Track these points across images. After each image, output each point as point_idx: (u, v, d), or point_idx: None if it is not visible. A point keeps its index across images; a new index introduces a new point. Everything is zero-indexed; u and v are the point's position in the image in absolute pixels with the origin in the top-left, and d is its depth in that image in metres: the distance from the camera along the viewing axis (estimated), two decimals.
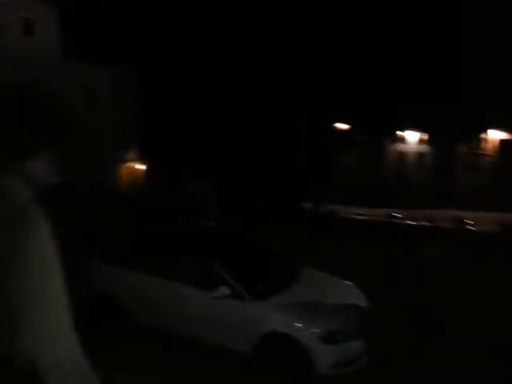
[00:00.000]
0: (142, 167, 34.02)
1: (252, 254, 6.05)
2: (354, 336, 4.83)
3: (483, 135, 49.04)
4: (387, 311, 5.69)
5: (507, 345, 5.44)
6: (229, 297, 4.99)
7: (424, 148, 51.92)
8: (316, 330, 4.72)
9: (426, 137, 51.42)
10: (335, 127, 24.00)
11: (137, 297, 5.55)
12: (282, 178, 19.23)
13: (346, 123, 25.30)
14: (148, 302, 5.50)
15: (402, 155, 52.65)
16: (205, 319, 5.18)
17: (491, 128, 48.05)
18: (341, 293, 5.65)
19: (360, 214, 38.02)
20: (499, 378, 4.86)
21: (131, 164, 33.43)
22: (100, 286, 5.80)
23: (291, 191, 20.92)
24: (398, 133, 51.91)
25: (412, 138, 52.17)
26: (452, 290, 7.29)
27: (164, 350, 5.27)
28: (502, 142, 48.22)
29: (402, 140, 52.56)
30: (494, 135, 48.69)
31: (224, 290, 5.00)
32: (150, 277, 5.50)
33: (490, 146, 49.32)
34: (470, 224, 33.66)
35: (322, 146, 20.91)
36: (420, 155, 52.10)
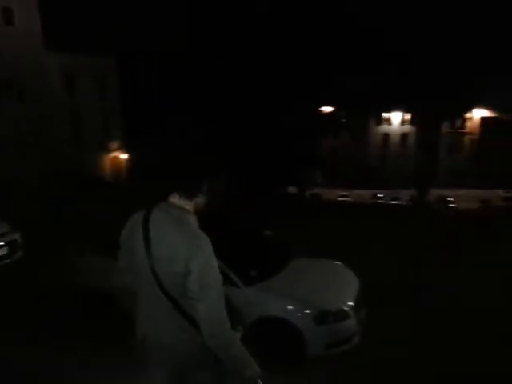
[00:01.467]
0: (126, 157, 33.66)
1: (242, 239, 6.09)
2: (347, 316, 4.92)
3: (467, 114, 49.60)
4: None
5: None
6: (223, 284, 5.03)
7: (408, 128, 52.36)
8: (308, 312, 4.79)
9: (409, 117, 51.83)
10: (320, 110, 23.98)
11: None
12: (267, 164, 19.19)
13: (331, 106, 25.27)
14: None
15: (386, 136, 53.09)
16: None
17: (476, 107, 48.61)
18: (332, 273, 5.75)
19: (344, 196, 38.55)
20: None
21: (115, 153, 33.04)
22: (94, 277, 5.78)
23: (277, 176, 20.93)
24: (383, 114, 52.24)
25: (396, 118, 52.55)
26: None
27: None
28: (484, 119, 48.88)
29: (387, 121, 52.92)
30: (478, 113, 49.28)
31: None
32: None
33: (473, 124, 49.97)
34: (452, 202, 34.28)
35: (308, 130, 20.88)
36: (404, 135, 52.58)
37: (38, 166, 21.36)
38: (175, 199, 2.07)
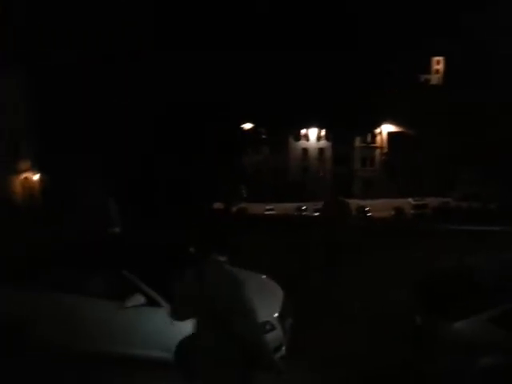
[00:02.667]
0: (37, 178, 31.38)
1: (165, 257, 5.94)
2: (273, 327, 4.97)
3: (376, 129, 53.48)
4: None
5: None
6: (145, 305, 4.87)
7: (324, 143, 55.15)
8: None
9: (324, 133, 54.69)
10: (242, 128, 24.47)
11: (46, 318, 5.18)
12: (192, 180, 19.04)
13: (252, 123, 25.91)
14: (58, 322, 5.15)
15: (305, 151, 55.41)
16: (122, 331, 5.01)
17: (384, 123, 52.59)
18: (257, 285, 5.77)
19: (270, 210, 39.40)
20: None
21: (27, 174, 30.66)
22: (7, 310, 5.29)
23: (202, 192, 20.84)
24: (301, 130, 54.62)
25: (313, 134, 55.15)
26: None
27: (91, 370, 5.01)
28: (391, 134, 53.04)
29: (305, 137, 55.32)
30: (386, 129, 53.35)
31: (138, 299, 4.87)
32: (57, 293, 5.17)
33: (381, 139, 53.98)
34: (368, 211, 36.47)
35: (230, 146, 21.14)
36: (321, 150, 55.27)
37: None
38: (215, 257, 3.11)
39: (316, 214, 36.94)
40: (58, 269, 5.40)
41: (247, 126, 25.55)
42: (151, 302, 4.90)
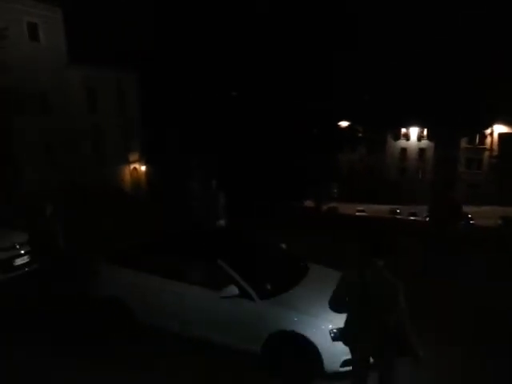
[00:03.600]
0: (146, 168, 34.12)
1: (259, 252, 6.11)
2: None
3: (486, 130, 48.89)
4: None
5: None
6: (237, 296, 5.05)
7: (425, 143, 51.83)
8: (325, 328, 4.75)
9: (426, 132, 51.35)
10: (338, 125, 23.99)
11: (145, 300, 5.65)
12: (285, 178, 19.22)
13: (349, 121, 25.28)
14: (158, 305, 5.58)
15: (404, 151, 52.61)
16: (214, 319, 5.26)
17: (494, 123, 47.92)
18: None
19: (361, 211, 38.20)
20: None
21: (135, 165, 33.52)
22: (109, 288, 5.93)
23: (294, 190, 20.93)
24: (402, 129, 51.91)
25: (414, 134, 52.11)
26: None
27: (175, 353, 5.41)
28: (503, 135, 48.09)
29: (405, 136, 52.51)
30: (498, 129, 48.58)
31: (232, 290, 5.06)
32: (159, 279, 5.60)
33: (491, 140, 49.19)
34: (471, 218, 33.54)
35: (325, 144, 20.87)
36: (421, 150, 52.03)
37: (56, 178, 21.75)
38: (376, 260, 3.65)
39: (411, 217, 35.09)
40: (164, 256, 5.84)
41: (344, 123, 25.01)
42: (244, 294, 5.09)
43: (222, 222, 8.90)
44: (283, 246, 6.65)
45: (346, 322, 3.95)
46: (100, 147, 29.17)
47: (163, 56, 21.37)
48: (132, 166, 33.41)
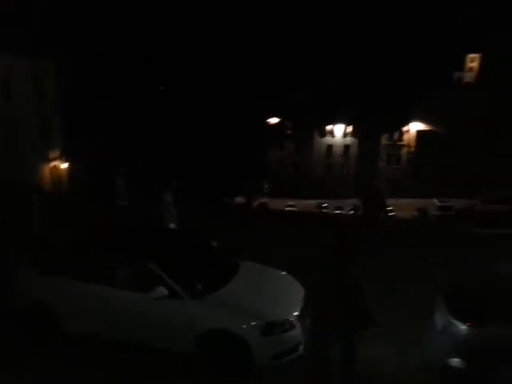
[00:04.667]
0: (66, 166, 32.12)
1: (189, 250, 6.00)
2: (293, 326, 4.97)
3: (404, 128, 52.43)
4: None
5: None
6: (167, 297, 4.95)
7: (350, 140, 54.42)
8: (255, 323, 4.81)
9: (351, 130, 53.95)
10: (267, 122, 24.36)
11: (71, 305, 5.34)
12: (215, 174, 19.14)
13: (278, 117, 25.77)
14: (83, 310, 5.31)
15: (330, 148, 54.84)
16: (147, 323, 5.11)
17: (412, 121, 51.52)
18: (278, 283, 5.79)
19: (291, 206, 39.24)
20: None
21: (55, 163, 31.44)
22: (30, 294, 5.50)
23: (225, 186, 20.93)
24: (328, 127, 54.01)
25: (339, 131, 54.48)
26: None
27: (106, 358, 5.17)
28: (419, 133, 51.93)
29: (331, 133, 54.71)
30: (415, 127, 52.33)
31: (161, 291, 4.95)
32: (83, 283, 5.31)
33: (409, 137, 52.91)
34: (391, 210, 35.77)
35: (254, 140, 21.10)
36: (346, 147, 54.58)
37: None
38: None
39: (337, 211, 36.69)
40: (90, 259, 5.51)
41: (273, 120, 25.44)
42: (173, 295, 4.98)
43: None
44: (214, 243, 6.59)
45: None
46: (13, 142, 26.93)
47: (88, 45, 20.24)
48: (52, 164, 31.32)
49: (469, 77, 62.37)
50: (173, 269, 5.21)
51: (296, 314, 5.11)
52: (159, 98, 18.05)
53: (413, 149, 52.37)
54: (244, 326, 4.81)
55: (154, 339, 5.11)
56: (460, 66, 63.05)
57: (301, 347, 5.00)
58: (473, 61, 63.80)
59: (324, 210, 37.96)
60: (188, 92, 17.80)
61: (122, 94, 18.95)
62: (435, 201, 39.83)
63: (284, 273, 6.14)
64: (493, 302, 4.51)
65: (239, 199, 25.99)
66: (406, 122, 51.57)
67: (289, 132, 26.72)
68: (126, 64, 18.39)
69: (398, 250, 9.27)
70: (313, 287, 4.59)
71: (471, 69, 63.80)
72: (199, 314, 4.93)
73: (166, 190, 8.88)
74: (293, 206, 39.29)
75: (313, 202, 41.30)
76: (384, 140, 53.02)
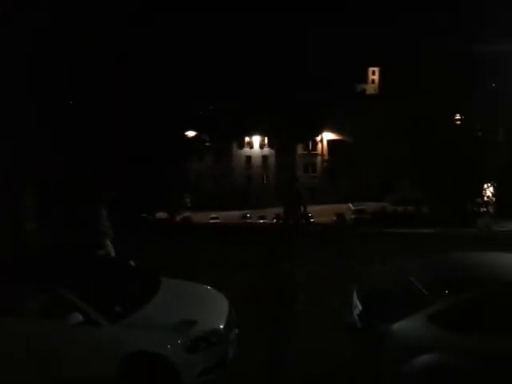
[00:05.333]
0: None
1: (105, 272, 5.68)
2: (219, 340, 4.90)
3: (317, 137, 55.08)
4: None
5: None
6: (83, 324, 4.62)
7: (267, 151, 55.86)
8: (178, 341, 4.67)
9: (267, 141, 55.45)
10: (185, 135, 24.18)
11: None
12: (136, 190, 18.43)
13: (195, 130, 25.70)
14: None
15: (248, 159, 55.77)
16: (65, 353, 4.74)
17: (324, 131, 54.36)
18: (201, 298, 5.68)
19: (214, 218, 39.12)
20: None
21: None
22: None
23: (146, 202, 20.26)
24: (245, 138, 54.98)
25: (256, 142, 55.70)
26: None
27: None
28: (331, 142, 54.94)
29: (249, 144, 55.71)
30: (326, 137, 55.17)
31: (76, 317, 4.61)
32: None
33: (322, 146, 55.69)
34: (311, 216, 37.23)
35: (173, 154, 20.75)
36: (264, 158, 55.91)
37: None
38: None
39: (261, 221, 37.31)
40: None
41: (190, 133, 25.30)
42: (90, 320, 4.66)
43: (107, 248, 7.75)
44: (132, 262, 6.30)
45: None
46: None
47: None
48: None
49: (372, 88, 67.59)
50: (88, 293, 4.89)
51: (222, 326, 5.05)
52: (67, 111, 16.95)
53: (326, 157, 55.18)
54: (168, 346, 4.64)
55: (76, 370, 4.75)
56: (363, 78, 68.17)
57: (228, 360, 4.94)
58: (374, 73, 69.28)
59: (248, 221, 38.38)
60: (98, 106, 16.96)
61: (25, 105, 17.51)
62: (350, 205, 42.26)
63: (208, 287, 6.04)
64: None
65: (161, 214, 25.36)
66: (318, 133, 54.26)
67: (207, 144, 26.70)
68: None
69: (322, 252, 9.76)
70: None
71: (373, 81, 69.20)
72: (119, 338, 4.66)
73: (100, 204, 8.13)
74: (216, 218, 39.19)
75: (237, 213, 41.57)
76: (300, 150, 55.18)
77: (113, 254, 7.65)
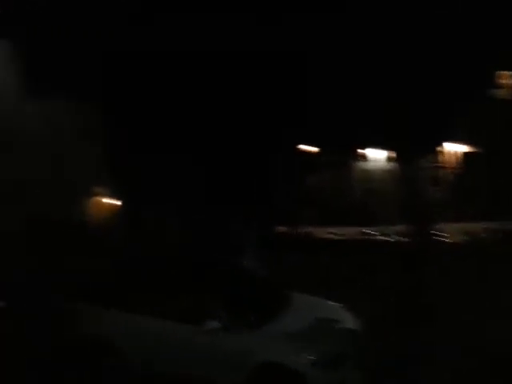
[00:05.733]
0: (111, 201, 33.00)
1: (239, 282, 5.97)
2: (347, 359, 4.80)
3: (440, 148, 51.03)
4: None
5: None
6: (218, 330, 4.87)
7: (387, 164, 53.44)
8: (309, 357, 4.65)
9: (386, 154, 53.08)
10: (303, 150, 24.50)
11: (130, 338, 5.31)
12: (257, 206, 19.13)
13: (312, 146, 25.92)
14: (141, 343, 5.26)
15: (366, 173, 54.01)
16: (194, 355, 5.04)
17: (448, 141, 50.17)
18: (331, 316, 5.62)
19: (334, 233, 38.36)
20: None
21: (100, 197, 32.44)
22: (90, 329, 5.49)
23: (266, 217, 20.90)
24: (361, 151, 53.46)
25: (376, 154, 53.73)
26: None
27: None
28: (460, 154, 50.38)
29: (365, 158, 54.05)
30: (452, 148, 50.81)
31: (212, 324, 4.88)
32: (140, 316, 5.31)
33: (450, 158, 51.38)
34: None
35: (294, 170, 21.11)
36: (387, 171, 53.56)
37: None
38: None
39: (383, 238, 35.50)
40: (141, 291, 5.52)
41: (311, 148, 25.50)
42: (224, 328, 4.90)
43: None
44: (264, 274, 6.53)
45: None
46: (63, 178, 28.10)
47: None
48: (97, 199, 32.41)
49: (504, 94, 60.46)
50: (224, 301, 5.18)
51: (349, 347, 4.94)
52: None
53: (457, 171, 50.75)
54: (298, 360, 4.66)
55: (205, 373, 5.01)
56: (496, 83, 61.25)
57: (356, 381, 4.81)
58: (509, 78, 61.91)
59: (370, 237, 36.83)
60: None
61: None
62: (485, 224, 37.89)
63: (337, 304, 5.95)
64: None
65: (282, 228, 25.88)
66: (441, 144, 50.20)
67: (328, 158, 26.69)
68: None
69: None
70: None
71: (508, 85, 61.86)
72: (252, 346, 4.83)
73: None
74: (337, 233, 38.35)
75: (357, 230, 40.29)
76: (424, 162, 51.67)
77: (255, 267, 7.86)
